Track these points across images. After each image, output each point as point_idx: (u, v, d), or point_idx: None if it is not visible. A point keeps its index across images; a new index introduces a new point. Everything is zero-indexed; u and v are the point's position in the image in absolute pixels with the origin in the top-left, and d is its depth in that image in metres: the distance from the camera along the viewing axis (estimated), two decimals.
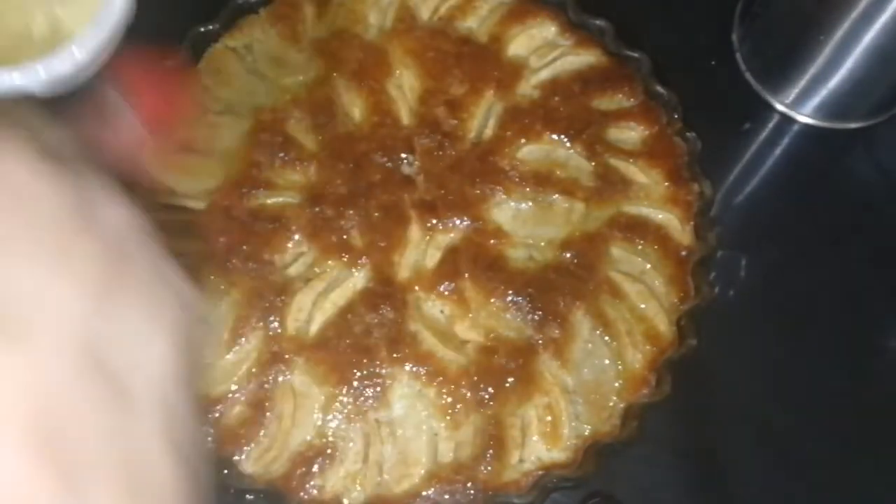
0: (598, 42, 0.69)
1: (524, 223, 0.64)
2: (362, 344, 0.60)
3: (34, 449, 0.25)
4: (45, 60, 0.45)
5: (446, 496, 0.57)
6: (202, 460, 0.30)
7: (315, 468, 0.57)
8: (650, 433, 0.59)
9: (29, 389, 0.26)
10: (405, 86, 0.67)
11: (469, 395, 0.59)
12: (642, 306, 0.62)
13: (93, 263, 0.28)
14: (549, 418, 0.59)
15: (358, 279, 0.62)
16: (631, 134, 0.67)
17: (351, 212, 0.63)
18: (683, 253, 0.64)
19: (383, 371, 0.59)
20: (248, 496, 0.57)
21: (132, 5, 0.46)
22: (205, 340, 0.32)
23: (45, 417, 0.26)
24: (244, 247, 0.62)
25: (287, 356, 0.59)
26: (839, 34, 0.65)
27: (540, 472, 0.58)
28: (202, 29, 0.67)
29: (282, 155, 0.64)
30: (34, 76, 0.44)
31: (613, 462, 0.58)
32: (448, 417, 0.58)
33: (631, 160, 0.66)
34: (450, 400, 0.59)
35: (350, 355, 0.59)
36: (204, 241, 0.62)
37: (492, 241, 0.63)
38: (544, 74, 0.68)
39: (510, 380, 0.59)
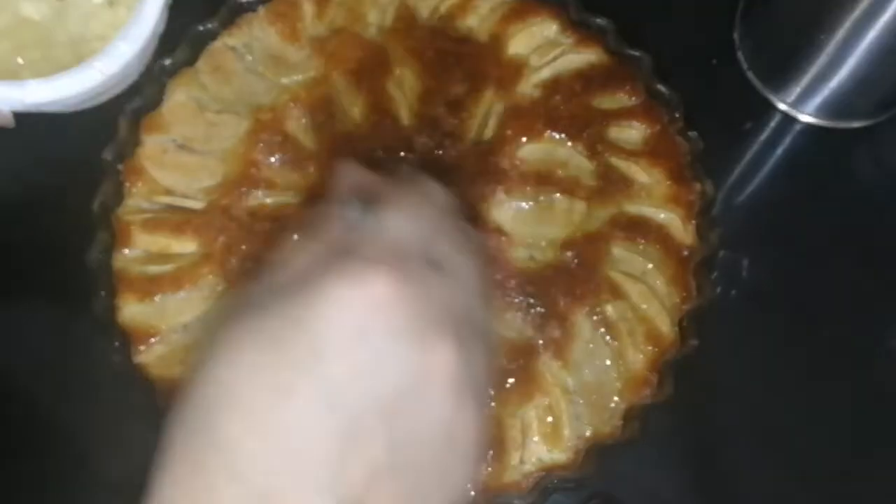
0: (599, 40, 0.69)
1: (525, 223, 0.64)
2: None
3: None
4: (72, 72, 0.43)
5: None
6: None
7: None
8: (652, 434, 0.58)
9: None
10: (405, 85, 0.67)
11: None
12: (644, 306, 0.62)
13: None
14: (549, 419, 0.59)
15: None
16: (632, 133, 0.67)
17: None
18: (685, 253, 0.64)
19: None
20: None
21: (163, 20, 0.44)
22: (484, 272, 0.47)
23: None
24: (243, 246, 0.62)
25: None
26: (841, 33, 0.65)
27: (541, 473, 0.58)
28: (201, 27, 0.67)
29: (281, 154, 0.64)
30: (61, 89, 0.42)
31: (615, 463, 0.58)
32: None
33: (632, 159, 0.65)
34: None
35: None
36: (202, 241, 0.62)
37: (492, 241, 0.63)
38: (545, 73, 0.68)
39: (510, 380, 0.59)
